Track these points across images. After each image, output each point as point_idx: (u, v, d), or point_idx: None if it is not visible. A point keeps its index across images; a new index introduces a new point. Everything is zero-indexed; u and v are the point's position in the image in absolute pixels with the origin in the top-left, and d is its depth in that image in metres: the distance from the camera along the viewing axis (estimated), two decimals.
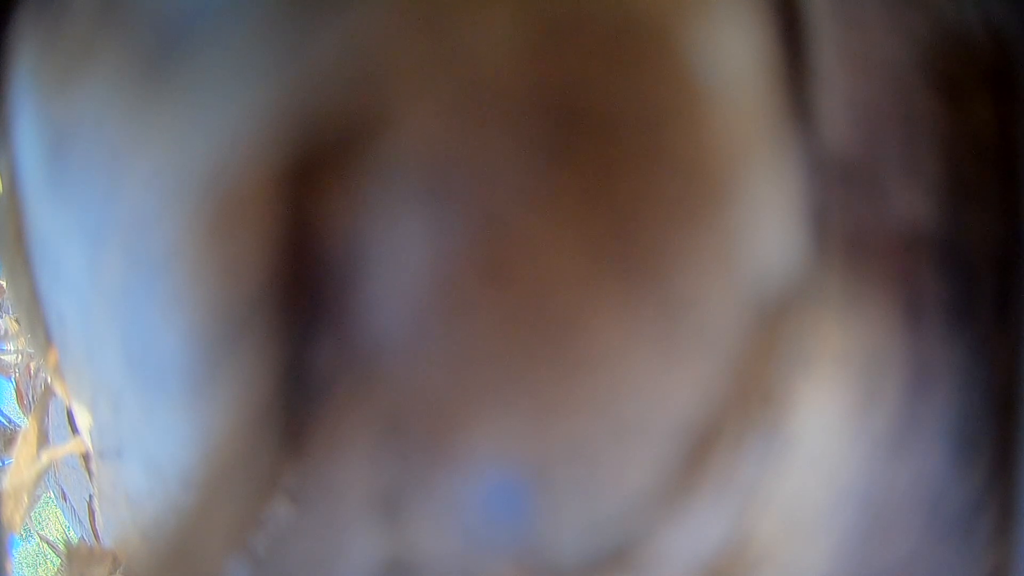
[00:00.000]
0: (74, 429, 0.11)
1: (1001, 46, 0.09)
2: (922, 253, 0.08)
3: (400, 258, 0.07)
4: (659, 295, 0.07)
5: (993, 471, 0.09)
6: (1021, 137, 0.09)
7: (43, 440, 0.12)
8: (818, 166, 0.08)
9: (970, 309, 0.08)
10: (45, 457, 0.12)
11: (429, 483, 0.08)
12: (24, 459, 0.12)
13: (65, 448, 0.12)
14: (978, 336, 0.08)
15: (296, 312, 0.08)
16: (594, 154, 0.07)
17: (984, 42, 0.09)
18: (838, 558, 0.09)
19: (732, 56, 0.08)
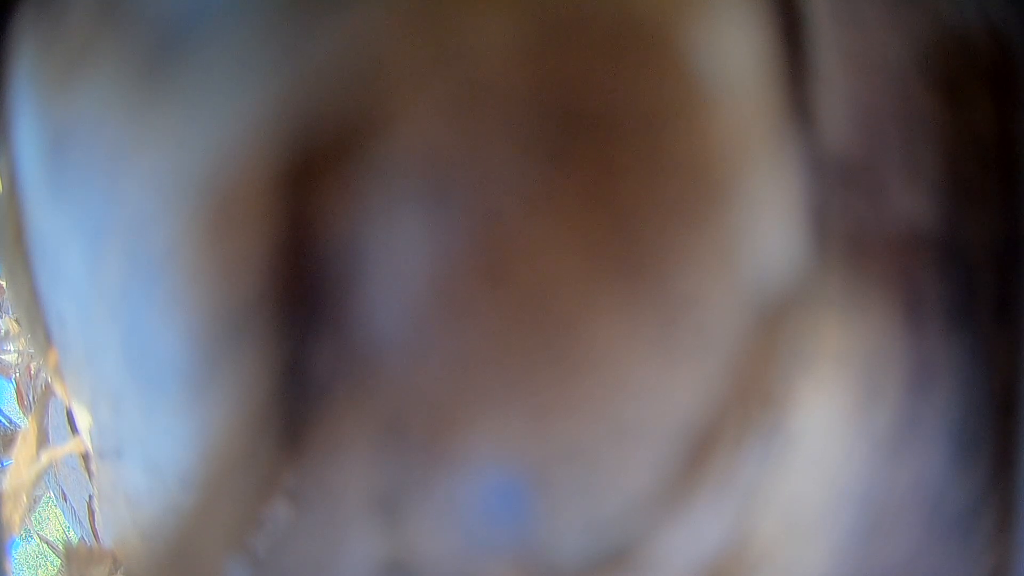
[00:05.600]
0: (74, 429, 0.11)
1: (1001, 46, 0.09)
2: (922, 253, 0.08)
3: (399, 259, 0.07)
4: (659, 295, 0.07)
5: (993, 471, 0.09)
6: (1021, 137, 0.09)
7: (43, 440, 0.12)
8: (818, 166, 0.08)
9: (970, 309, 0.08)
10: (45, 457, 0.12)
11: (428, 484, 0.08)
12: (24, 459, 0.12)
13: (65, 448, 0.12)
14: (978, 336, 0.08)
15: (295, 313, 0.08)
16: (594, 155, 0.07)
17: (984, 42, 0.09)
18: (838, 558, 0.09)
19: (732, 56, 0.08)
